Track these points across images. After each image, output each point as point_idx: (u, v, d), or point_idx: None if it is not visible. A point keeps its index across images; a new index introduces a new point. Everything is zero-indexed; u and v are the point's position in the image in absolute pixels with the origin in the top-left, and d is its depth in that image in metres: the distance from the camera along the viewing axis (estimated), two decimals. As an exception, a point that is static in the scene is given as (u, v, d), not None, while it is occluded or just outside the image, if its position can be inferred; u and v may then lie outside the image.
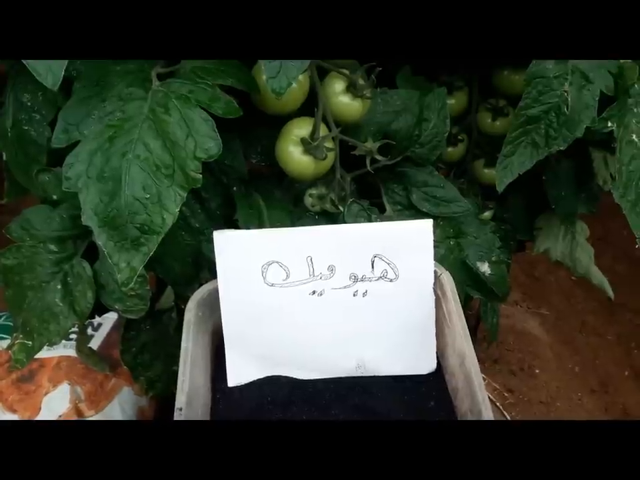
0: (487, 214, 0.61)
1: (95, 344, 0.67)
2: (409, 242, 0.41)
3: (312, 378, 0.43)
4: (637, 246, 0.49)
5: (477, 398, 0.35)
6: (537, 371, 0.89)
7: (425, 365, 0.43)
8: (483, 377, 0.78)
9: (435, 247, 0.51)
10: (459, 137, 0.60)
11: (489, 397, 0.68)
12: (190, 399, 0.37)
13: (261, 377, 0.43)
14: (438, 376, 0.43)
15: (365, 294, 0.42)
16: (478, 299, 0.60)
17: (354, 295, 0.42)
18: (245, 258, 0.40)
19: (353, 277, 0.41)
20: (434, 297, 0.42)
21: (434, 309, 0.42)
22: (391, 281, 0.41)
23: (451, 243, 0.54)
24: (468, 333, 0.39)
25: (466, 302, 0.59)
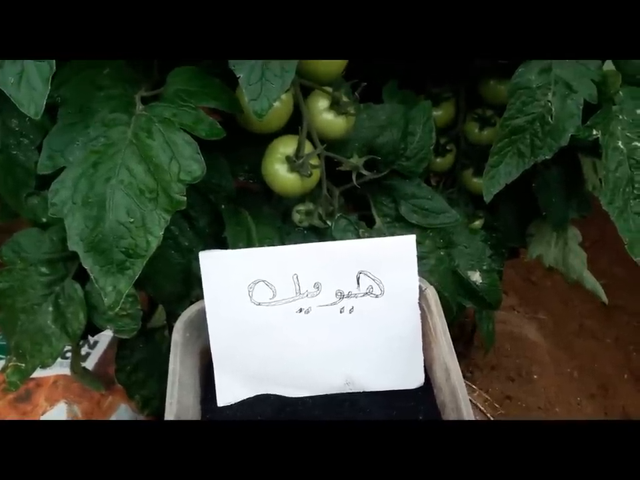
0: (477, 223, 0.61)
1: (91, 362, 0.67)
2: (393, 257, 0.41)
3: (301, 395, 0.43)
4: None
5: (462, 413, 0.36)
6: (535, 377, 0.88)
7: (412, 379, 0.43)
8: (475, 388, 0.78)
9: (425, 258, 0.51)
10: (447, 147, 0.60)
11: (481, 409, 0.68)
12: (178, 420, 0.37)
13: (250, 395, 0.43)
14: (426, 390, 0.43)
15: (351, 310, 0.42)
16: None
17: (340, 312, 0.42)
18: (231, 278, 0.41)
19: (339, 294, 0.42)
20: (419, 312, 0.42)
21: (420, 324, 0.42)
22: (376, 296, 0.41)
23: (441, 253, 0.54)
24: (452, 347, 0.39)
25: (459, 312, 0.59)
